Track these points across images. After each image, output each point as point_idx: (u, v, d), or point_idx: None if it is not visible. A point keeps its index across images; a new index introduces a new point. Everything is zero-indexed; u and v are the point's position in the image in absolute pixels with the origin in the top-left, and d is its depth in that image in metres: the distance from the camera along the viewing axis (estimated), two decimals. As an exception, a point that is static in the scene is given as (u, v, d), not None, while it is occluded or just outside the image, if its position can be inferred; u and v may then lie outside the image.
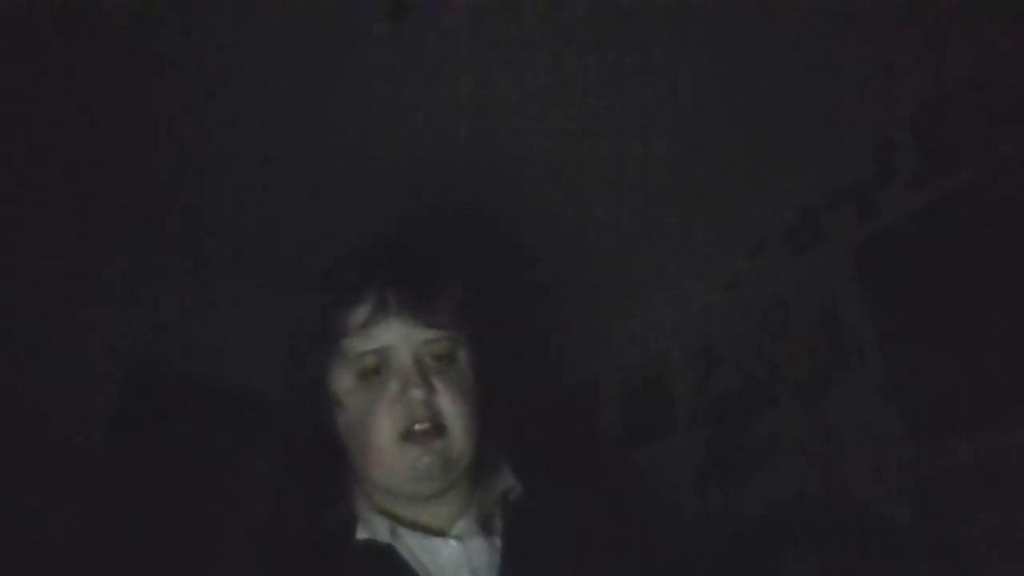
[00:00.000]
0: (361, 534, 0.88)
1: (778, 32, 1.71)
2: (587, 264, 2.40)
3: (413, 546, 0.87)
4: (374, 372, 0.88)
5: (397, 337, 0.88)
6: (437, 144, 1.97)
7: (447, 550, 0.87)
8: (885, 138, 1.87)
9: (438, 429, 0.86)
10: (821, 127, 1.93)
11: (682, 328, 2.31)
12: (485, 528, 0.90)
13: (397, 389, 0.86)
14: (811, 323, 1.95)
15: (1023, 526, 1.41)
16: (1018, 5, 1.56)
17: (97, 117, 1.84)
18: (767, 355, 2.04)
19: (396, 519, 0.89)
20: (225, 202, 2.11)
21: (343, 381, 0.89)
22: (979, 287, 1.60)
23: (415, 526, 0.89)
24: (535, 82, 1.84)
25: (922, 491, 1.61)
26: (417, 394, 0.86)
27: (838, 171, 1.96)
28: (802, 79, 1.82)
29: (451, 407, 0.87)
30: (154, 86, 1.79)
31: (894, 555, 1.62)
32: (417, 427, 0.85)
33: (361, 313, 0.88)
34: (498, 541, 0.89)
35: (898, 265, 1.78)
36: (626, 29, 1.72)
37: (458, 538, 0.88)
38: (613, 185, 2.14)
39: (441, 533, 0.89)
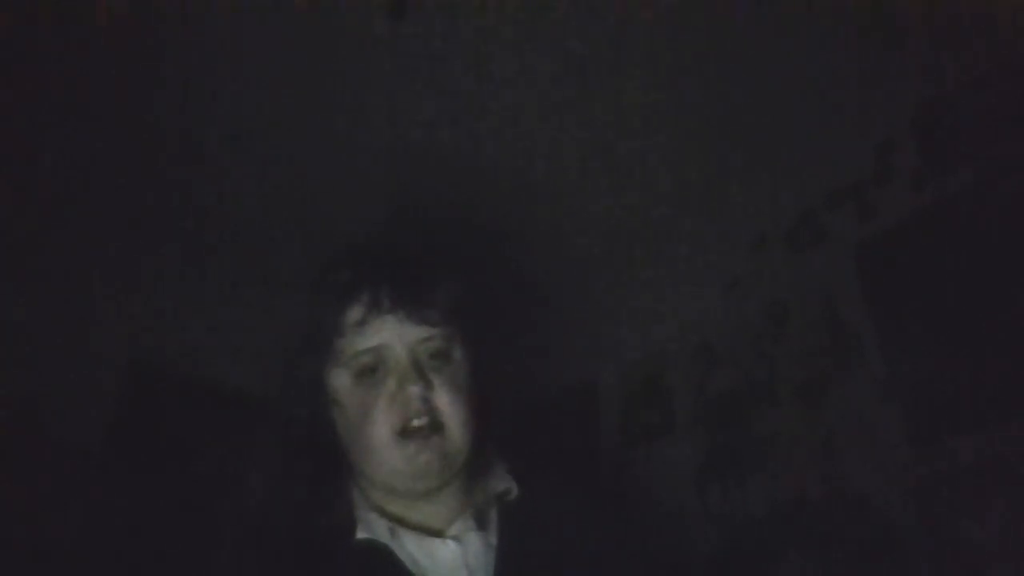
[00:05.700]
0: (360, 534, 0.88)
1: (779, 32, 1.71)
2: (587, 263, 2.40)
3: (411, 546, 0.87)
4: (371, 371, 0.89)
5: (392, 335, 0.88)
6: (436, 143, 1.97)
7: (445, 550, 0.88)
8: (885, 138, 1.87)
9: (436, 425, 0.87)
10: (821, 127, 1.93)
11: (682, 328, 2.31)
12: (482, 528, 0.90)
13: (394, 387, 0.87)
14: (811, 323, 1.95)
15: (1023, 526, 1.41)
16: (1017, 5, 1.56)
17: (96, 116, 1.84)
18: (767, 355, 2.04)
19: (394, 519, 0.90)
20: (223, 201, 2.11)
21: (340, 381, 0.90)
22: (979, 287, 1.60)
23: (413, 526, 0.90)
24: (535, 81, 1.84)
25: (922, 491, 1.60)
26: (414, 391, 0.86)
27: (838, 171, 1.96)
28: (802, 79, 1.82)
29: (448, 404, 0.88)
30: (153, 86, 1.79)
31: (894, 555, 1.62)
32: (415, 424, 0.86)
33: (355, 312, 0.89)
34: (494, 541, 0.89)
35: (898, 265, 1.78)
36: (626, 28, 1.72)
37: (455, 538, 0.89)
38: (613, 184, 2.14)
39: (438, 533, 0.90)
